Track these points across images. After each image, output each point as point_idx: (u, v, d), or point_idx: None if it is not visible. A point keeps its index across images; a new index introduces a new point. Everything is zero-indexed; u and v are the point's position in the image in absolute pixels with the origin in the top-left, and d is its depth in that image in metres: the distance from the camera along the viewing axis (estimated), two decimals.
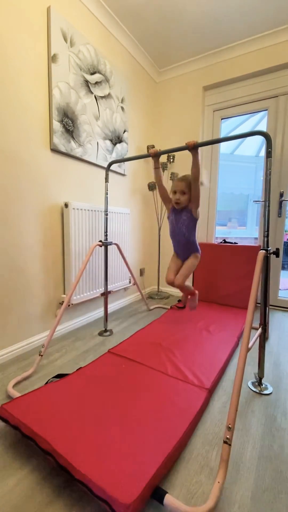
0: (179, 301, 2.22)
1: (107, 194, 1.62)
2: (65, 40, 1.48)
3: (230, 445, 0.71)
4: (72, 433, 0.79)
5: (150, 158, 1.55)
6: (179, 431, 0.82)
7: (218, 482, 0.66)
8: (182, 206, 1.51)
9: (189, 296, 1.78)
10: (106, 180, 1.61)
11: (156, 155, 1.44)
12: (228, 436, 0.71)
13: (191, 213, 1.51)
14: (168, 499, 0.62)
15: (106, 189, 1.61)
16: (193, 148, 1.28)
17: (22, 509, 0.64)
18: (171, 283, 1.61)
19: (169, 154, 2.35)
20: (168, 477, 0.73)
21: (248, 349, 0.87)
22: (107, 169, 1.61)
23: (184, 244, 1.59)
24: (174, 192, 1.50)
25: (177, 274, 1.59)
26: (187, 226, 1.53)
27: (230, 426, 0.73)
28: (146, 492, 0.62)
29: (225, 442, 0.71)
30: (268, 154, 1.05)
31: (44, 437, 0.76)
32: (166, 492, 0.64)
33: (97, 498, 0.61)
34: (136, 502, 0.59)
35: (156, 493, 0.64)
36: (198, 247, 1.62)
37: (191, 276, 2.48)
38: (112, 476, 0.65)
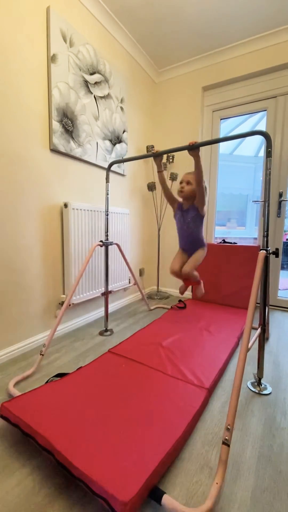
0: (179, 301, 2.22)
1: (108, 194, 1.62)
2: (65, 40, 1.48)
3: (229, 446, 0.71)
4: (71, 431, 0.79)
5: (150, 159, 1.56)
6: (178, 430, 0.82)
7: (217, 483, 0.66)
8: (185, 195, 1.53)
9: (186, 286, 1.81)
10: (107, 180, 1.61)
11: (157, 155, 1.46)
12: (227, 437, 0.71)
13: (197, 210, 1.54)
14: (166, 499, 0.62)
15: (107, 189, 1.61)
16: (192, 147, 1.28)
17: (22, 509, 0.64)
18: (175, 272, 1.63)
19: (169, 154, 2.35)
20: (168, 476, 0.73)
21: (248, 349, 0.87)
22: (108, 169, 1.61)
23: (191, 241, 1.63)
24: (181, 182, 1.55)
25: (183, 265, 1.62)
26: (195, 223, 1.57)
27: (229, 427, 0.73)
28: (144, 490, 0.63)
29: (224, 443, 0.71)
30: (268, 153, 1.05)
31: (44, 435, 0.76)
32: (164, 493, 0.64)
33: (95, 496, 0.61)
34: (134, 499, 0.59)
35: (154, 493, 0.64)
36: (205, 241, 1.66)
37: None
38: (110, 474, 0.65)
